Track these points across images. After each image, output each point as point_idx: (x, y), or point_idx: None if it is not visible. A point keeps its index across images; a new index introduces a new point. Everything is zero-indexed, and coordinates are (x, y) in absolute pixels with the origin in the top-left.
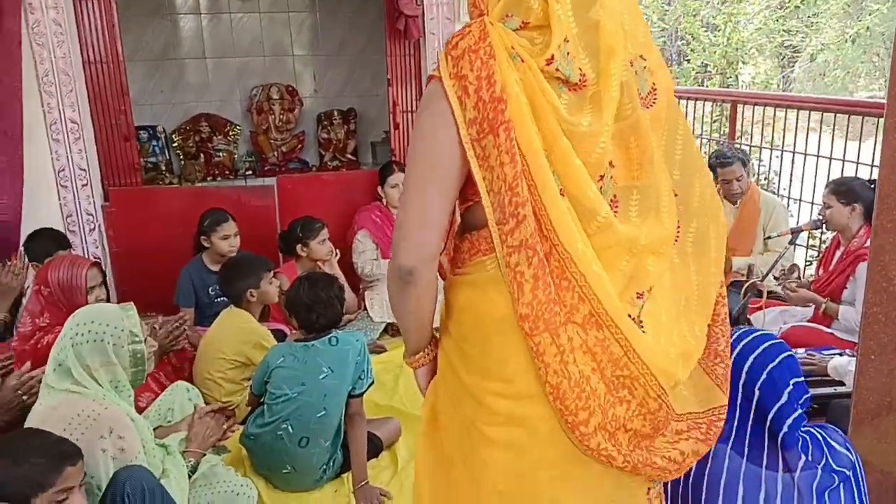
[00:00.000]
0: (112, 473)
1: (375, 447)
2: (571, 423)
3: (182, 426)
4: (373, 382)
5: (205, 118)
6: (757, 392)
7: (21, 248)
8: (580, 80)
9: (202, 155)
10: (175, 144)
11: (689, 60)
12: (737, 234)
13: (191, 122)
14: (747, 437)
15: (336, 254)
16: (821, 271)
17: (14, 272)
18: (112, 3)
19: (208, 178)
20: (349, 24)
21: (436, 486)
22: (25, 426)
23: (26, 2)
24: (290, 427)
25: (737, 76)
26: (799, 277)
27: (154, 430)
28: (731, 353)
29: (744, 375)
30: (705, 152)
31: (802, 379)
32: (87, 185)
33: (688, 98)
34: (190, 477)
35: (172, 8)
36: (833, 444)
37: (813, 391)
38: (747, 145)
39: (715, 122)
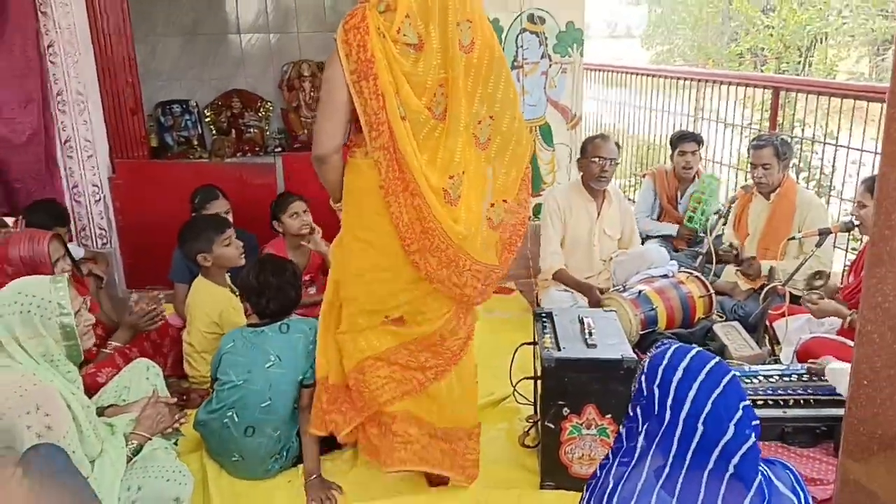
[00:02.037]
0: None
1: (335, 439)
2: (404, 245)
3: (134, 408)
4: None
5: (237, 94)
6: (700, 427)
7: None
8: (419, 42)
9: (233, 131)
10: (207, 119)
11: (739, 43)
12: (768, 234)
13: (223, 98)
14: (682, 476)
15: (318, 231)
16: (851, 278)
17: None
18: None
19: (238, 154)
20: None
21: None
22: None
23: None
24: (235, 415)
25: (808, 62)
26: (825, 284)
27: (107, 407)
28: (658, 373)
29: (686, 406)
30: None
31: (748, 402)
32: (92, 156)
33: (725, 83)
34: (131, 459)
35: None
36: (777, 484)
37: (818, 412)
38: (793, 137)
39: (758, 109)
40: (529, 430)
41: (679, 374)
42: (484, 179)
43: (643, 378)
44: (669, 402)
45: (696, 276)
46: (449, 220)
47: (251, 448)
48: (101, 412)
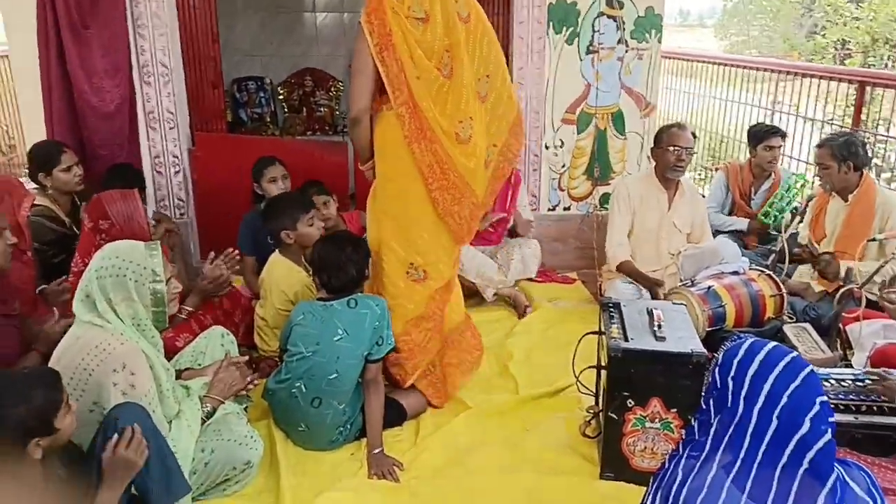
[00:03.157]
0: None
1: (399, 415)
2: (427, 184)
3: (208, 372)
4: (393, 348)
5: (310, 73)
6: (775, 421)
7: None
8: (425, 16)
9: (305, 109)
10: (280, 97)
11: (823, 35)
12: (846, 235)
13: (296, 76)
14: (753, 470)
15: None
16: None
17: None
18: None
19: (308, 133)
20: None
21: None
22: (56, 351)
23: None
24: (303, 386)
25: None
26: None
27: (183, 371)
28: (733, 365)
29: (761, 398)
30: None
31: (826, 398)
32: (174, 128)
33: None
34: (205, 422)
35: None
36: (851, 485)
37: (892, 420)
38: (876, 135)
39: (840, 105)
40: (591, 419)
41: (755, 366)
42: (485, 125)
43: (717, 370)
44: (744, 394)
45: (768, 275)
46: (461, 157)
47: (317, 419)
48: (177, 375)
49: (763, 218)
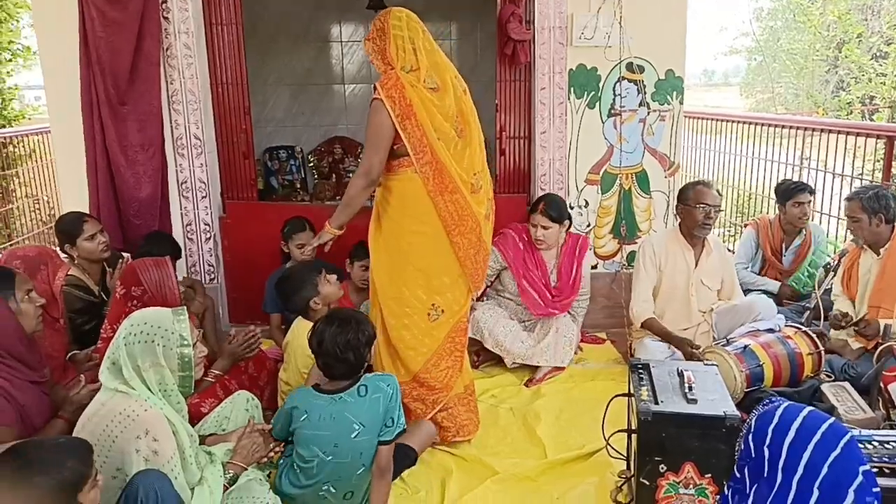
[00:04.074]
0: None
1: (409, 459)
2: (447, 231)
3: (232, 438)
4: (403, 430)
5: (339, 141)
6: (816, 492)
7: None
8: (437, 86)
9: (334, 175)
10: (311, 164)
11: (848, 91)
12: (880, 289)
13: (326, 144)
14: None
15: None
16: None
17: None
18: (240, 30)
19: (337, 198)
20: (468, 50)
21: (383, 261)
22: (81, 417)
23: (161, 27)
24: (331, 487)
25: None
26: None
27: (207, 437)
28: (768, 433)
29: (800, 469)
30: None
31: (869, 466)
32: (206, 196)
33: (835, 131)
34: (227, 488)
35: (317, 36)
36: None
37: None
38: None
39: (869, 159)
40: (622, 485)
41: (791, 434)
42: (488, 179)
43: (750, 437)
44: (781, 464)
45: (805, 332)
46: (475, 205)
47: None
48: (202, 440)
49: (794, 284)
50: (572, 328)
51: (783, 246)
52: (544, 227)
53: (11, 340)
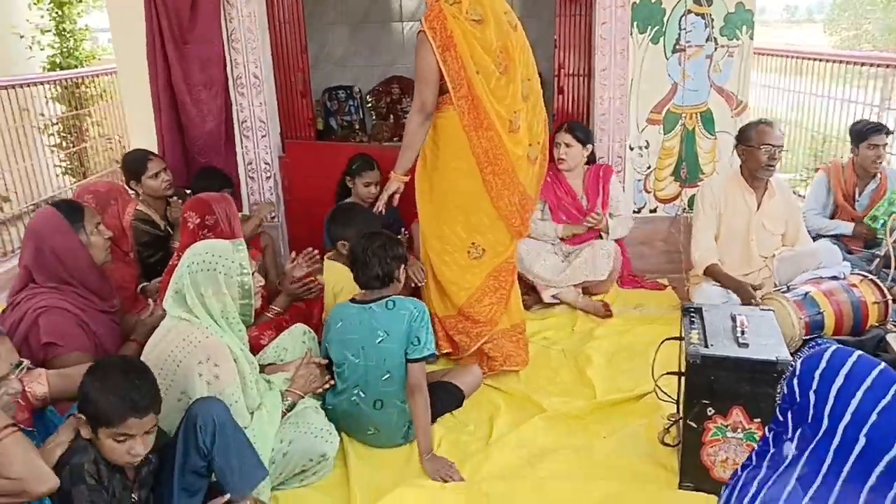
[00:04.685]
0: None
1: (456, 399)
2: (481, 169)
3: (290, 368)
4: (432, 355)
5: (397, 81)
6: (862, 439)
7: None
8: (480, 18)
9: (391, 116)
10: (369, 105)
11: None
12: None
13: (384, 84)
14: (836, 490)
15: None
16: None
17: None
18: None
19: (394, 139)
20: None
21: (426, 199)
22: (148, 343)
23: None
24: (360, 392)
25: None
26: None
27: (266, 366)
28: (815, 378)
29: (847, 415)
30: None
31: None
32: (265, 136)
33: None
34: (285, 414)
35: None
36: None
37: None
38: None
39: None
40: (669, 427)
41: (840, 380)
42: (528, 122)
43: (795, 381)
44: (827, 410)
45: (871, 280)
46: (510, 144)
47: (384, 420)
48: (261, 370)
49: (870, 222)
50: (609, 243)
51: (856, 190)
52: (567, 145)
53: (83, 272)
